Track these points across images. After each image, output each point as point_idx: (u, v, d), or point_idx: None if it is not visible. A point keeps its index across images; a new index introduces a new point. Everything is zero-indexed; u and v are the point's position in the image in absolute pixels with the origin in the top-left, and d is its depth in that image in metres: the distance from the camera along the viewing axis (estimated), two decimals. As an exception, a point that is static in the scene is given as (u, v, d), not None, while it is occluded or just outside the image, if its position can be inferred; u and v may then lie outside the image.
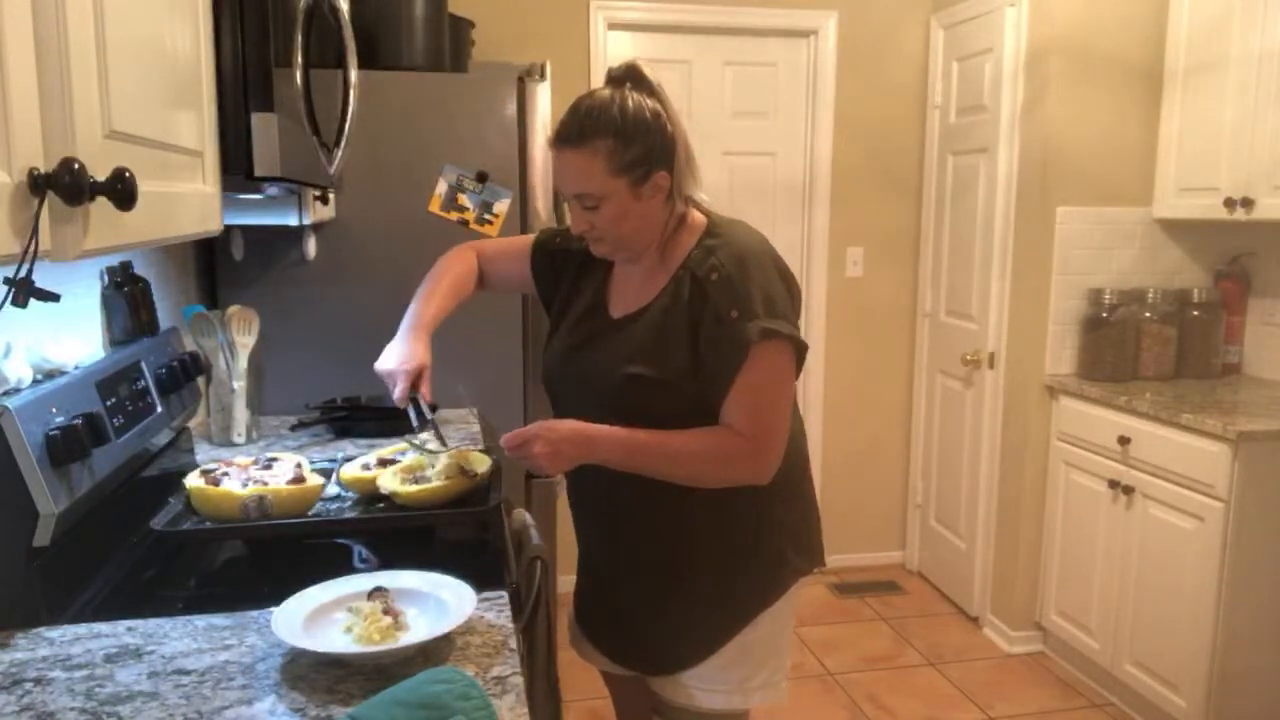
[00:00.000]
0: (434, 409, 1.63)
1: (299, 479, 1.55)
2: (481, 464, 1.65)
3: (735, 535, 1.52)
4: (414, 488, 1.56)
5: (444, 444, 1.67)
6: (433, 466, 1.61)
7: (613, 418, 1.43)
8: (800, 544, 1.58)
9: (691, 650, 1.54)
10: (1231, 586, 2.48)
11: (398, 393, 1.52)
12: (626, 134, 1.38)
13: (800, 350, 1.43)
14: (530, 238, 1.72)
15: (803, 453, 1.61)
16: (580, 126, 1.39)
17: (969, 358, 3.49)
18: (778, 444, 1.44)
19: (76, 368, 1.44)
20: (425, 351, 1.56)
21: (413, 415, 1.58)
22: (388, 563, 1.43)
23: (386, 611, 1.18)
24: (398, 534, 1.62)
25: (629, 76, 1.43)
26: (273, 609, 1.20)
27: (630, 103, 1.39)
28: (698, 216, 1.50)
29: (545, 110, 2.52)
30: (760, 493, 1.49)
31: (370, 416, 2.27)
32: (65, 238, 0.80)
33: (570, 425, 1.44)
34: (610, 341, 1.51)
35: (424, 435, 1.70)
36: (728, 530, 1.51)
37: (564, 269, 1.65)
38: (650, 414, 1.43)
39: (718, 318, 1.39)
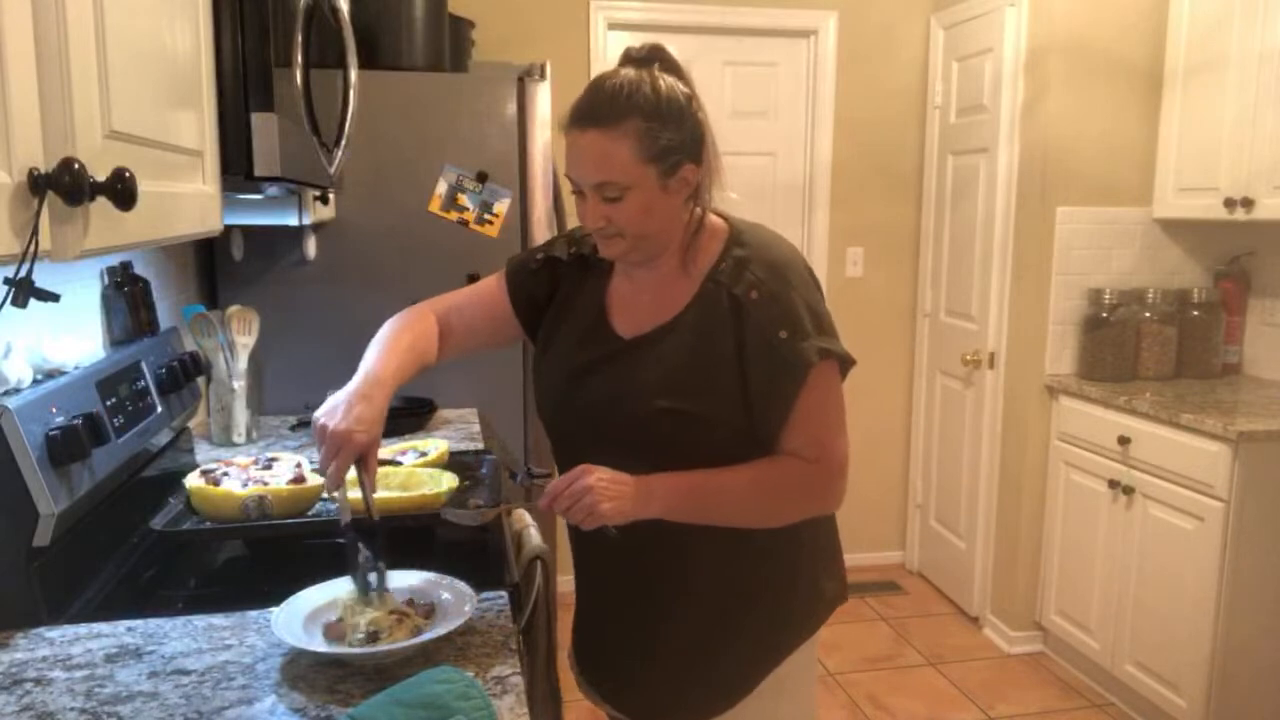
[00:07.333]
0: (371, 533, 1.23)
1: (299, 479, 1.55)
2: (440, 482, 1.58)
3: (772, 569, 1.37)
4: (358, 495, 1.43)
5: (381, 583, 1.22)
6: (361, 613, 1.17)
7: (640, 462, 1.24)
8: (832, 569, 1.46)
9: (725, 697, 1.39)
10: (1231, 586, 2.48)
11: (334, 468, 1.16)
12: (661, 116, 1.21)
13: (847, 367, 1.32)
14: (495, 275, 1.48)
15: None
16: (610, 104, 1.21)
17: (969, 358, 3.49)
18: (845, 465, 1.32)
19: (76, 368, 1.44)
20: (382, 419, 1.22)
21: (342, 507, 1.22)
22: (388, 563, 1.43)
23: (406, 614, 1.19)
24: (398, 534, 1.62)
25: (656, 57, 1.26)
26: (273, 609, 1.20)
27: (663, 84, 1.23)
28: (716, 220, 1.36)
29: (545, 110, 2.52)
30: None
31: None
32: (65, 238, 0.80)
33: (615, 472, 1.23)
34: (626, 368, 1.32)
35: (362, 560, 1.23)
36: (765, 564, 1.37)
37: (550, 286, 1.44)
38: (687, 455, 1.26)
39: (766, 341, 1.25)
